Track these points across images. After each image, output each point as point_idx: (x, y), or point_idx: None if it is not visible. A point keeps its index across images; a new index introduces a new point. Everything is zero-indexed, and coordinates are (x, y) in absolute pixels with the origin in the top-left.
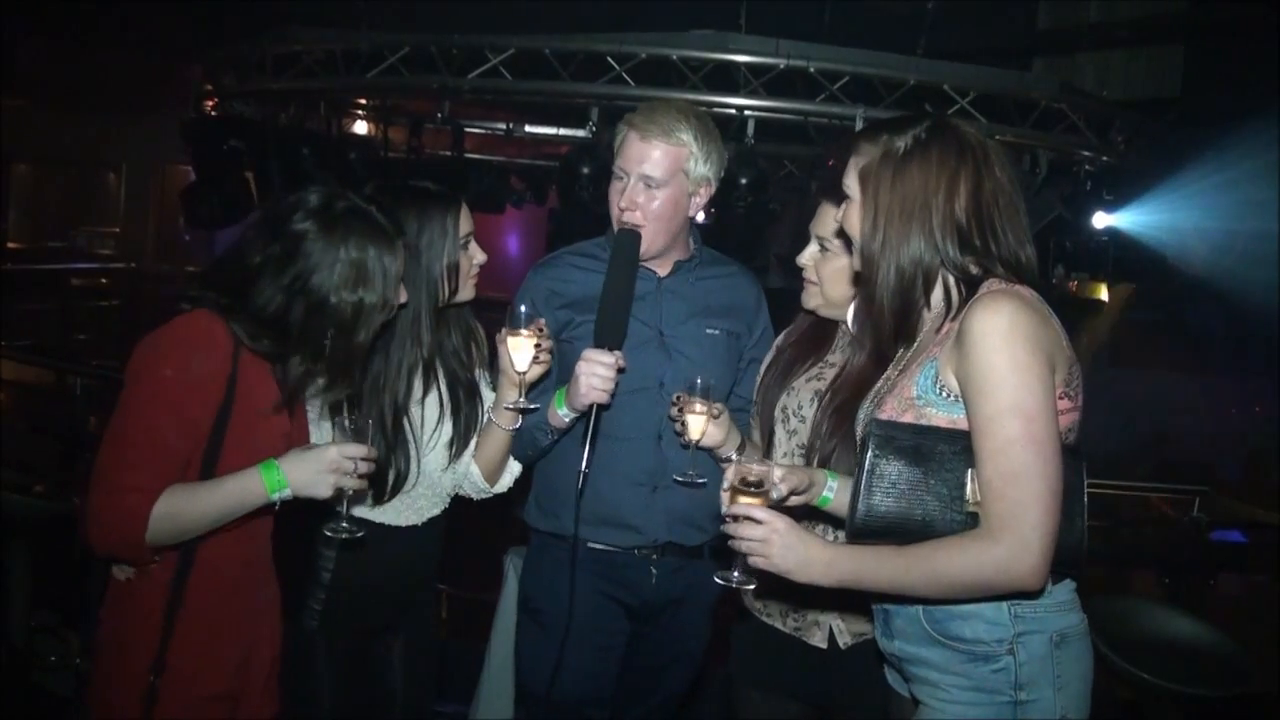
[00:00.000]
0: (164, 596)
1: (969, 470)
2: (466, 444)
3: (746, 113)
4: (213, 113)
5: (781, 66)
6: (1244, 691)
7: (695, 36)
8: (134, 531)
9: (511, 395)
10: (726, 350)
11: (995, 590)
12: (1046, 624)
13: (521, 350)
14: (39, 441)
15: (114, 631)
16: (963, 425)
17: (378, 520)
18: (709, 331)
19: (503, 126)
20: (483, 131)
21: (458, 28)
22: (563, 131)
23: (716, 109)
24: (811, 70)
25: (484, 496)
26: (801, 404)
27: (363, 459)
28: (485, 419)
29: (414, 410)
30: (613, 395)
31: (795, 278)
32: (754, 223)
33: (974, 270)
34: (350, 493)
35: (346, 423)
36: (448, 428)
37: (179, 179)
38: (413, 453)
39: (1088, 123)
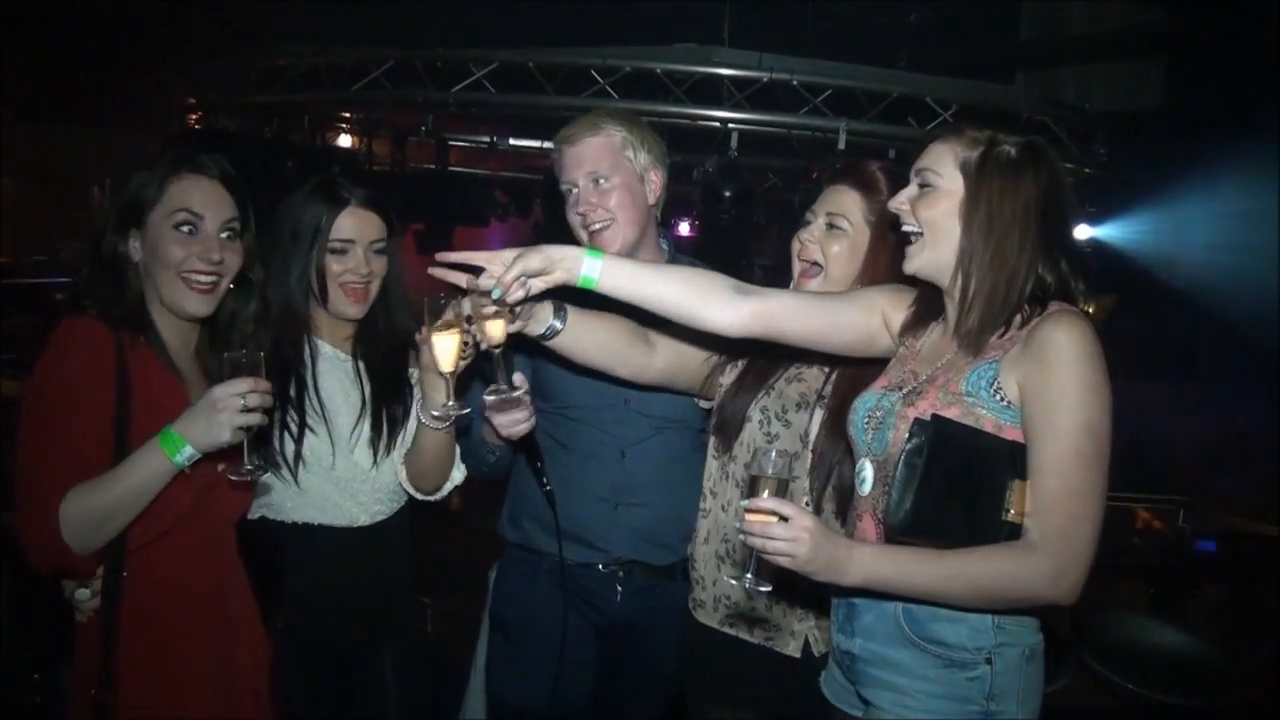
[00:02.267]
0: (101, 611)
1: (1011, 480)
2: (393, 440)
3: (730, 125)
4: (196, 126)
5: (765, 79)
6: (1228, 701)
7: (679, 50)
8: (50, 533)
9: (439, 396)
10: None
11: (1035, 603)
12: (1023, 638)
13: (446, 346)
14: None
15: (76, 659)
16: (1009, 434)
17: (319, 522)
18: None
19: (487, 139)
20: (467, 144)
21: (441, 41)
22: (547, 144)
23: (700, 121)
24: (795, 83)
25: (427, 500)
26: (786, 407)
27: (250, 391)
28: (415, 421)
29: (326, 397)
30: (533, 414)
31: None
32: (738, 234)
33: (1045, 286)
34: (252, 431)
35: (228, 359)
36: (367, 425)
37: None
38: (315, 422)
39: (1070, 134)
